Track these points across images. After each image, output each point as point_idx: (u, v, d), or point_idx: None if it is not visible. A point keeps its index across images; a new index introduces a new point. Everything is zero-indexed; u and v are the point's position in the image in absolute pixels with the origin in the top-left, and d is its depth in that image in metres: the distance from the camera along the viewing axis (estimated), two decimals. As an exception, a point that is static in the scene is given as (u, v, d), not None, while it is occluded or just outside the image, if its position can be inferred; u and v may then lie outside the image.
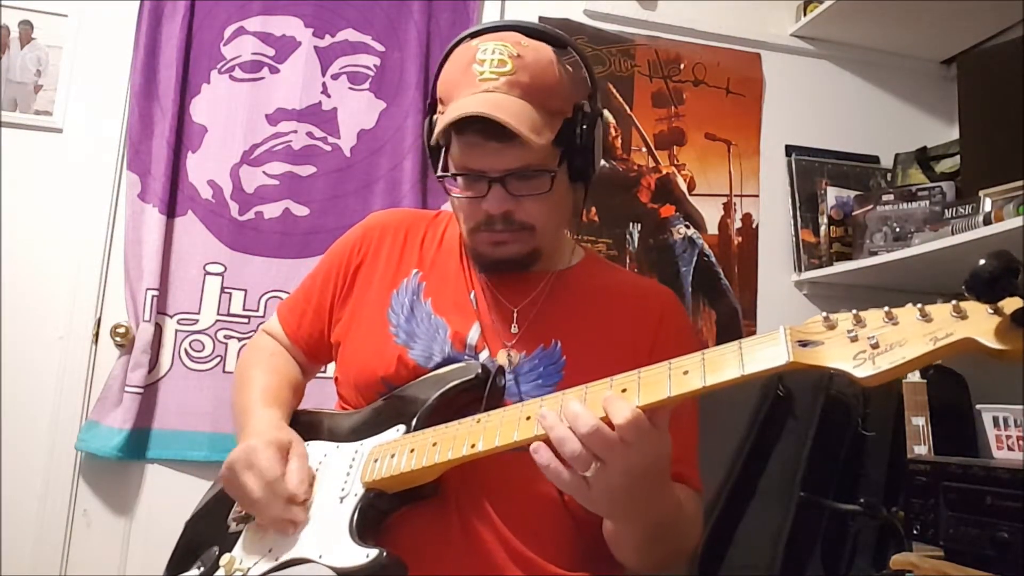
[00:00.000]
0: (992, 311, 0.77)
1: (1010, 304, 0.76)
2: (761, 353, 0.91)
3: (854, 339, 0.83)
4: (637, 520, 1.10)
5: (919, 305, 0.82)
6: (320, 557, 1.16)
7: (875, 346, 0.81)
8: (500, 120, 1.18)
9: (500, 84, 1.22)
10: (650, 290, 1.47)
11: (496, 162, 1.25)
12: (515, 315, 1.35)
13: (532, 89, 1.23)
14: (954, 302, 0.79)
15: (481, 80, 1.23)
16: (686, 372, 0.96)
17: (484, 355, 1.32)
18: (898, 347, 0.80)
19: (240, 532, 1.31)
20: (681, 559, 1.29)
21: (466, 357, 1.32)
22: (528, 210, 1.29)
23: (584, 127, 1.29)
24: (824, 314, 0.88)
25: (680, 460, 1.28)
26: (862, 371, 0.82)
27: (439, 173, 1.33)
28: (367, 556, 1.12)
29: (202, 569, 1.30)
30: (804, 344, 0.87)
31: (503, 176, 1.25)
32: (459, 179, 1.31)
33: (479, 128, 1.21)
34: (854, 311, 0.85)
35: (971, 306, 0.79)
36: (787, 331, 0.89)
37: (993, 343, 0.76)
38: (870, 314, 0.85)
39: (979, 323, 0.78)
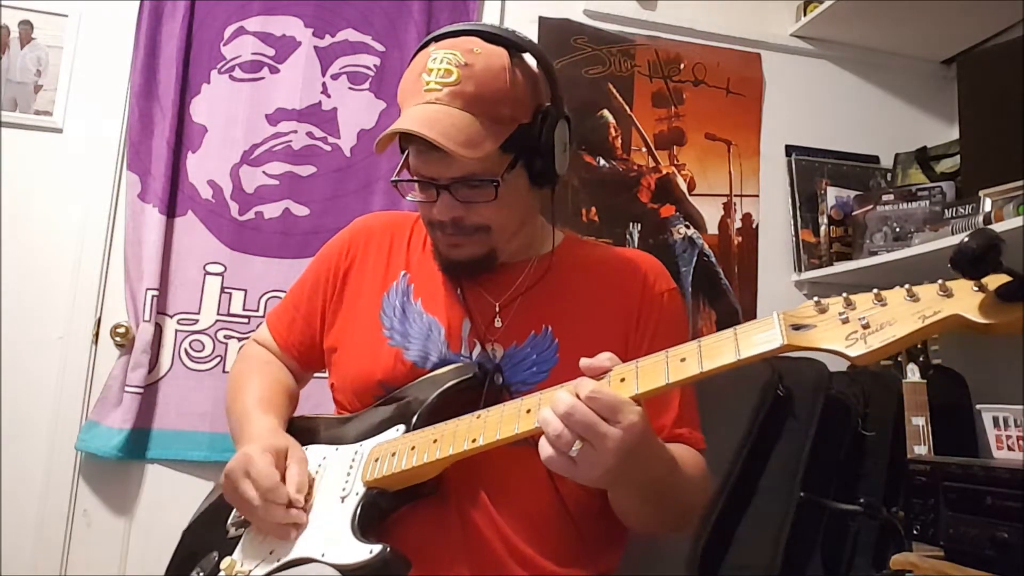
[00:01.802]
0: (977, 288, 0.79)
1: (994, 280, 0.78)
2: (756, 337, 0.92)
3: (845, 321, 0.85)
4: (630, 484, 1.11)
5: (906, 286, 0.83)
6: (323, 556, 1.16)
7: (866, 326, 0.83)
8: (426, 137, 1.19)
9: (443, 95, 1.23)
10: (631, 258, 1.47)
11: (441, 170, 1.26)
12: (497, 308, 1.36)
13: (476, 99, 1.23)
14: (940, 281, 0.81)
15: (426, 91, 1.24)
16: (683, 359, 0.98)
17: (477, 351, 1.33)
18: (888, 326, 0.81)
19: (239, 537, 1.31)
20: (688, 519, 1.30)
21: (461, 356, 1.33)
22: (480, 213, 1.30)
23: (543, 132, 1.30)
24: (816, 299, 0.89)
25: (681, 421, 1.29)
26: (854, 350, 0.84)
27: (393, 178, 1.34)
28: (370, 552, 1.13)
29: (202, 574, 1.30)
30: (797, 328, 0.89)
31: (450, 184, 1.27)
32: (416, 184, 1.32)
33: (423, 138, 1.22)
34: (844, 294, 0.86)
35: (956, 284, 0.81)
36: (780, 316, 0.91)
37: (979, 318, 0.78)
38: (860, 297, 0.87)
39: (965, 300, 0.80)
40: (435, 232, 1.35)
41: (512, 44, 1.31)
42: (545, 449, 1.01)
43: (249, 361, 1.56)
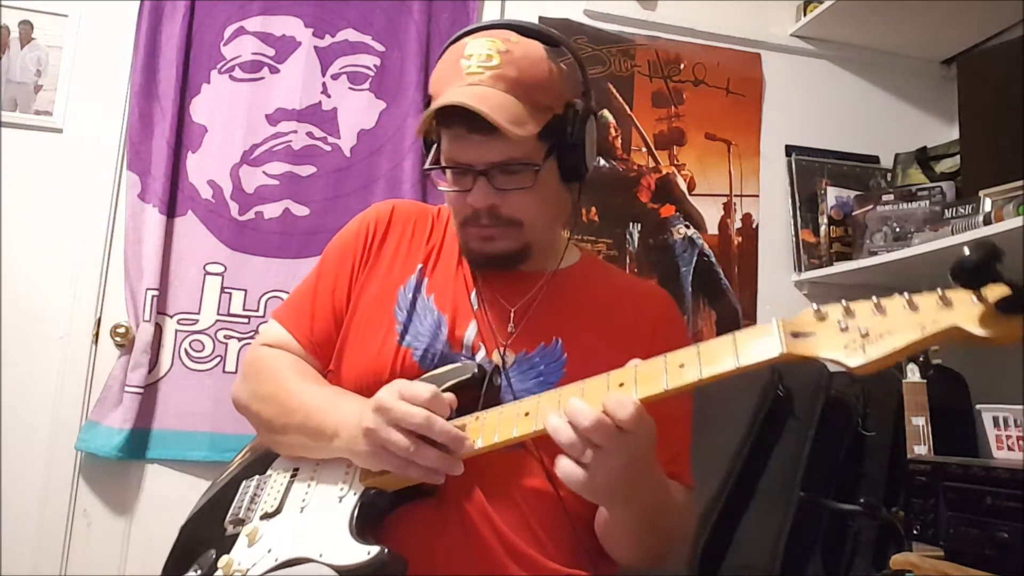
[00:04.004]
0: (977, 299, 0.78)
1: (994, 291, 0.77)
2: (755, 345, 0.92)
3: (844, 329, 0.85)
4: (635, 502, 1.11)
5: (906, 295, 0.83)
6: (321, 556, 1.16)
7: (865, 335, 0.83)
8: (476, 110, 1.19)
9: (485, 78, 1.24)
10: (646, 293, 1.47)
11: (480, 155, 1.26)
12: (512, 315, 1.35)
13: (518, 83, 1.24)
14: (940, 291, 0.81)
15: (468, 74, 1.25)
16: (682, 365, 0.98)
17: (480, 354, 1.32)
18: (887, 336, 0.81)
19: (237, 535, 1.30)
20: (673, 550, 1.29)
21: (462, 357, 1.32)
22: (514, 204, 1.29)
23: (575, 125, 1.30)
24: (815, 306, 0.89)
25: (673, 459, 1.29)
26: (853, 360, 0.83)
27: (426, 166, 1.34)
28: (368, 553, 1.12)
29: (199, 572, 1.30)
30: (796, 335, 0.89)
31: (487, 169, 1.26)
32: (447, 173, 1.32)
33: (463, 121, 1.22)
34: (844, 302, 0.86)
35: (956, 294, 0.81)
36: (780, 323, 0.91)
37: (978, 330, 0.78)
38: (859, 305, 0.86)
39: (964, 311, 0.79)
40: (467, 228, 1.33)
41: (545, 38, 1.33)
42: (574, 472, 1.01)
43: (277, 360, 1.41)
